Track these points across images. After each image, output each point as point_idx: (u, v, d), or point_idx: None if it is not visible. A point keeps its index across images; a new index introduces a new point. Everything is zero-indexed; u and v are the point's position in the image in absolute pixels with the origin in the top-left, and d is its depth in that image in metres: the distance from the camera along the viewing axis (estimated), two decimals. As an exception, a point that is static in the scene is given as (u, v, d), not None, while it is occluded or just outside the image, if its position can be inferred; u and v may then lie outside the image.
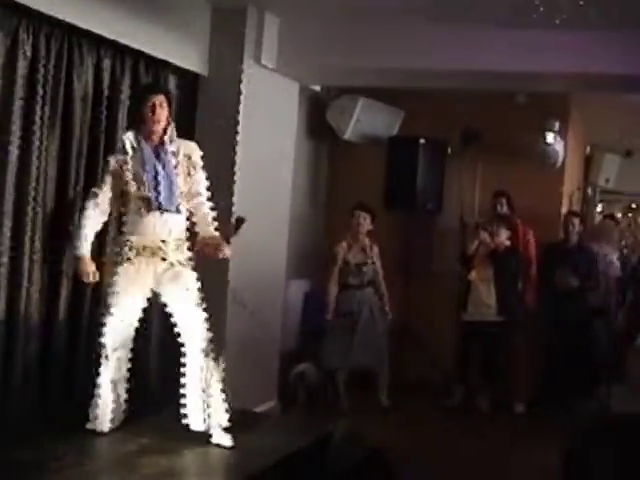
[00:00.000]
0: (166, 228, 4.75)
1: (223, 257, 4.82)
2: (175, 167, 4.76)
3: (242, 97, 6.27)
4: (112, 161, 4.76)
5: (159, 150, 4.76)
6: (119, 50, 5.55)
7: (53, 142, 5.14)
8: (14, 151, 4.84)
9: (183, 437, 4.83)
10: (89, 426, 4.84)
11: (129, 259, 4.72)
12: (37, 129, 4.97)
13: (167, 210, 4.71)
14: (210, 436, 4.79)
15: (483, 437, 6.88)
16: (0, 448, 4.39)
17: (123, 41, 5.47)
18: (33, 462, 4.23)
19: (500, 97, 7.97)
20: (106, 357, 4.80)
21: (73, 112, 5.26)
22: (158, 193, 4.68)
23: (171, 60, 5.93)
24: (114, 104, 5.57)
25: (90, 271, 4.75)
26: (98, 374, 4.84)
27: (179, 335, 4.81)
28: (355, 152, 8.62)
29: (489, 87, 7.02)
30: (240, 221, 4.85)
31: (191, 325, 4.77)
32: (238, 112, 6.30)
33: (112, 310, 4.75)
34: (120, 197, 4.76)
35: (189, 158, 4.82)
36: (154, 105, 4.67)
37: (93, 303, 5.50)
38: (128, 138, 4.74)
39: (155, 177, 4.69)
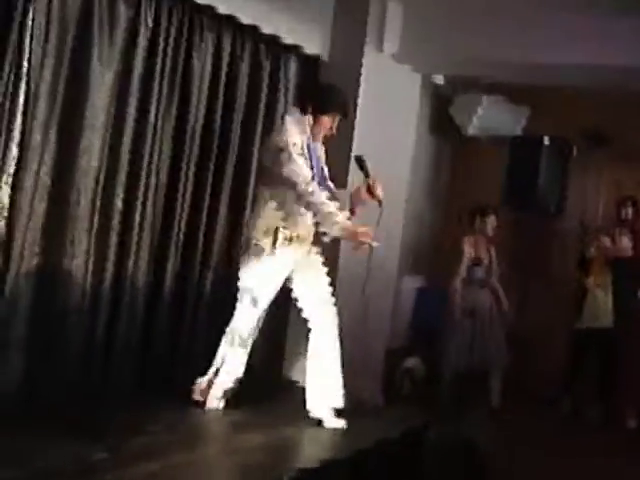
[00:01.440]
0: (310, 216, 4.77)
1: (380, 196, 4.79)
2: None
3: (362, 84, 6.20)
4: (295, 138, 4.64)
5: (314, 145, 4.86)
6: (240, 30, 5.56)
7: (169, 119, 5.20)
8: (130, 124, 4.92)
9: (283, 414, 4.88)
10: (198, 397, 4.87)
11: (282, 249, 4.71)
12: (154, 104, 5.04)
13: None
14: (320, 421, 4.79)
15: (589, 450, 6.58)
16: (101, 412, 4.50)
17: (245, 21, 5.48)
18: (132, 424, 4.29)
19: (632, 98, 7.64)
20: (244, 347, 4.83)
21: (191, 90, 5.29)
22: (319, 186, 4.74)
23: (292, 42, 5.91)
24: (232, 85, 5.58)
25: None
26: (227, 358, 4.85)
27: (307, 316, 4.86)
28: (478, 150, 8.42)
29: (619, 83, 6.69)
30: (359, 160, 4.86)
31: (326, 310, 4.86)
32: (357, 99, 6.24)
33: (258, 300, 4.75)
34: None
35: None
36: (336, 122, 4.78)
37: (202, 272, 5.55)
38: (305, 120, 4.75)
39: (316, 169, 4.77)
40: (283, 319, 6.06)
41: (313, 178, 4.66)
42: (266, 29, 5.66)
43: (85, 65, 4.61)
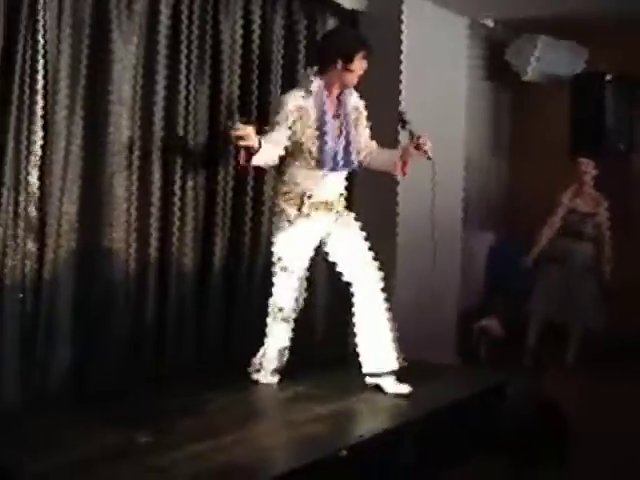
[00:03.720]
0: (339, 182, 4.62)
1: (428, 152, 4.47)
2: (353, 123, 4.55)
3: (404, 34, 5.87)
4: (291, 103, 4.38)
5: (339, 102, 4.51)
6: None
7: (201, 89, 4.93)
8: (160, 96, 4.67)
9: (343, 385, 4.61)
10: (255, 377, 4.68)
11: (308, 215, 4.48)
12: (183, 74, 4.79)
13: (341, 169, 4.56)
14: (381, 387, 4.53)
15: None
16: (153, 395, 4.34)
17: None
18: (183, 407, 4.12)
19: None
20: (286, 320, 4.64)
21: (222, 57, 5.02)
22: (335, 153, 4.44)
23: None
24: (266, 47, 5.30)
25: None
26: (271, 333, 4.68)
27: (348, 279, 4.59)
28: (539, 94, 7.99)
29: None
30: (401, 118, 4.58)
31: (365, 267, 4.55)
32: (401, 51, 5.91)
33: (289, 269, 4.54)
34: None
35: (357, 109, 4.62)
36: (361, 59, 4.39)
37: (252, 248, 5.29)
38: (315, 81, 4.44)
39: (334, 135, 4.45)
40: (344, 289, 5.79)
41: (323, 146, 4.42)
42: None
43: (105, 36, 4.39)
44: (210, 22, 4.96)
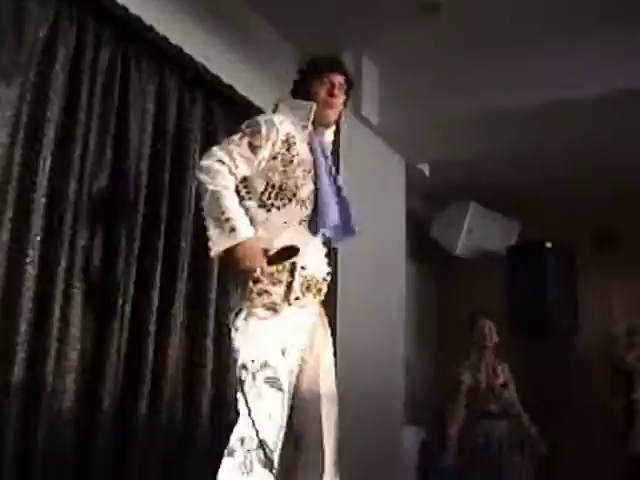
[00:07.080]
0: (325, 256, 2.99)
1: None
2: None
3: (341, 150, 4.62)
4: (277, 127, 2.86)
5: (326, 149, 3.04)
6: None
7: (101, 175, 3.54)
8: (41, 187, 3.23)
9: None
10: None
11: (297, 299, 2.80)
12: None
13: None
14: None
15: None
16: None
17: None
18: None
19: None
20: (266, 463, 2.62)
21: (128, 140, 3.68)
22: (343, 214, 2.92)
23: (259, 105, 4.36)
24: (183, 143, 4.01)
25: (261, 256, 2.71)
26: None
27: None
28: (468, 272, 6.88)
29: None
30: None
31: (325, 422, 2.80)
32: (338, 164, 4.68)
33: (278, 382, 2.70)
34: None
35: None
36: (333, 85, 3.00)
37: (152, 402, 3.62)
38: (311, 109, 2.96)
39: (334, 187, 2.94)
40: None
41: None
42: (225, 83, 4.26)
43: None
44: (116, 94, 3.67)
